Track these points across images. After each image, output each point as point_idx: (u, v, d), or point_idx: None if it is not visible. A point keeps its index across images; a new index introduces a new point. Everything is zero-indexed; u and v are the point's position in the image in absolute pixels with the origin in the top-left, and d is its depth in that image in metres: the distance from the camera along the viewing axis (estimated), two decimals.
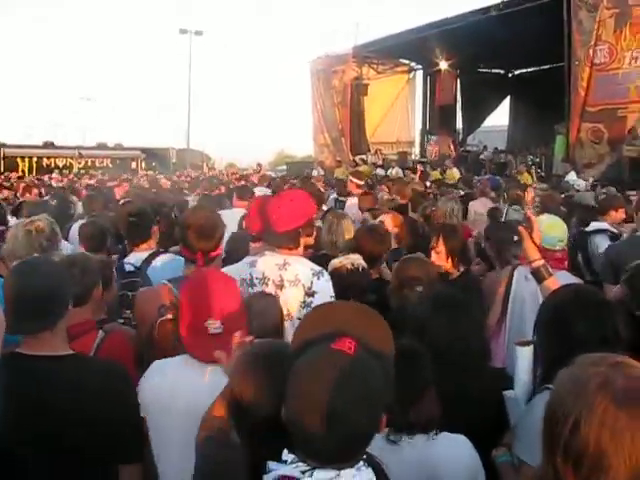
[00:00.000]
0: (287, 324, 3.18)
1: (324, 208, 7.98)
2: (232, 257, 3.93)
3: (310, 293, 3.30)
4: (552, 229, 4.19)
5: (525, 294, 4.10)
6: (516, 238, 5.03)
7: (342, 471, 1.52)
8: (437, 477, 2.25)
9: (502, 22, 17.54)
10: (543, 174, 18.61)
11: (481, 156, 23.47)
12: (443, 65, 24.70)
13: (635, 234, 5.14)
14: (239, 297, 2.58)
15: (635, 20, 14.67)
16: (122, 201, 8.50)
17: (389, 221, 5.58)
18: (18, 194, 13.30)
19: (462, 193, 10.21)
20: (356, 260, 3.93)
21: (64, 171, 35.19)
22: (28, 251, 3.77)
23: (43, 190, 13.83)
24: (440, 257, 4.32)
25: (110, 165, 38.80)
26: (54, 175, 27.10)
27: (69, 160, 39.14)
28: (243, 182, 14.48)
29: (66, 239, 5.56)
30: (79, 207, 8.06)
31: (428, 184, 12.69)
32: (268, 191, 9.49)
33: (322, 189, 10.69)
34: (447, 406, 2.43)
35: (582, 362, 1.53)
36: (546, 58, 22.01)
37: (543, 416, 1.53)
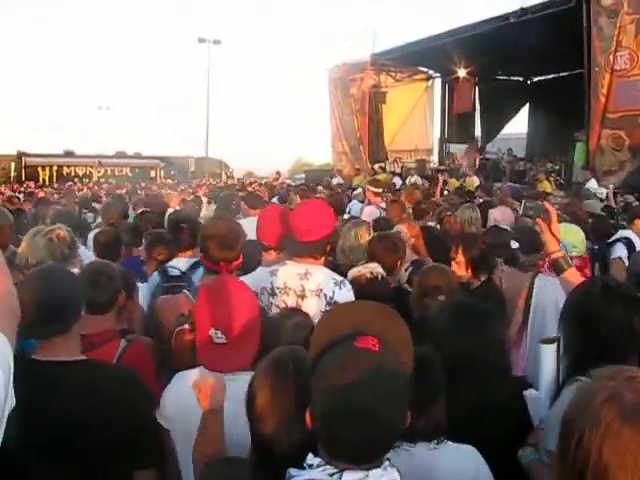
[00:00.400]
0: None
1: (345, 217, 7.98)
2: (245, 265, 3.94)
3: (332, 303, 3.30)
4: (567, 235, 4.16)
5: (546, 302, 4.09)
6: (516, 244, 5.10)
7: (370, 472, 1.52)
8: None
9: (521, 29, 17.44)
10: (562, 182, 18.47)
11: (502, 164, 23.34)
12: (461, 73, 24.59)
13: None
14: (250, 308, 2.54)
15: None
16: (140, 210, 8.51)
17: (405, 230, 5.55)
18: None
19: (480, 201, 10.14)
20: (375, 269, 3.92)
21: (84, 180, 35.52)
22: (49, 259, 3.81)
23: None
24: (460, 267, 4.31)
25: (129, 174, 39.13)
26: (70, 184, 27.20)
27: (89, 169, 39.51)
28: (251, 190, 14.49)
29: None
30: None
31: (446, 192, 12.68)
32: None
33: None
34: (468, 415, 2.40)
35: (598, 375, 1.52)
36: (565, 65, 21.86)
37: (559, 432, 1.51)
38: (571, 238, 4.29)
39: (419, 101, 29.09)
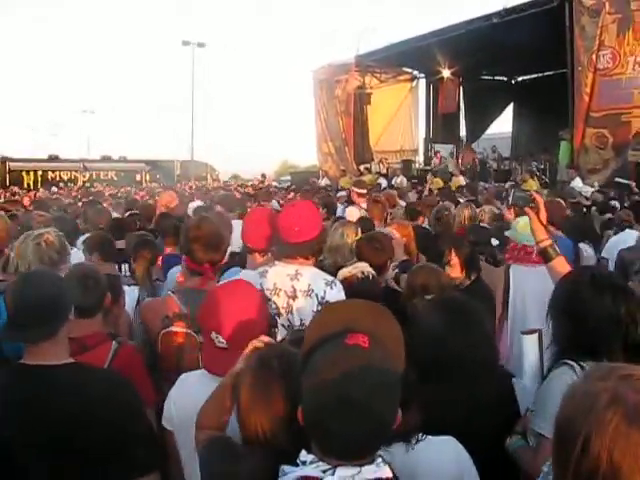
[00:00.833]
0: None
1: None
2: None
3: (323, 303, 3.31)
4: (527, 227, 4.19)
5: (525, 290, 4.20)
6: (496, 242, 5.18)
7: (363, 467, 1.52)
8: None
9: (504, 29, 17.55)
10: (548, 180, 18.59)
11: (488, 163, 23.46)
12: (446, 73, 24.71)
13: None
14: (254, 313, 2.52)
15: (638, 25, 14.67)
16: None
17: (394, 231, 5.56)
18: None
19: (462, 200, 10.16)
20: (365, 268, 3.92)
21: (69, 184, 35.34)
22: (38, 264, 3.78)
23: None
24: (455, 269, 4.33)
25: (115, 178, 38.97)
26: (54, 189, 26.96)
27: (74, 173, 39.31)
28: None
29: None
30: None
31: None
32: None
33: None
34: (458, 414, 2.41)
35: (590, 375, 1.50)
36: (549, 64, 22.02)
37: (553, 435, 1.51)
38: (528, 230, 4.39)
39: (404, 102, 29.19)
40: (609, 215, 8.38)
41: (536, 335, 2.78)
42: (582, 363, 2.40)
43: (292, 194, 15.11)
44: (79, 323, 2.82)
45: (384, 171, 24.68)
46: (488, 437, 2.49)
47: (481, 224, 6.33)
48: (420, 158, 28.58)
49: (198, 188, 21.50)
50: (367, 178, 18.37)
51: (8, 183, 34.96)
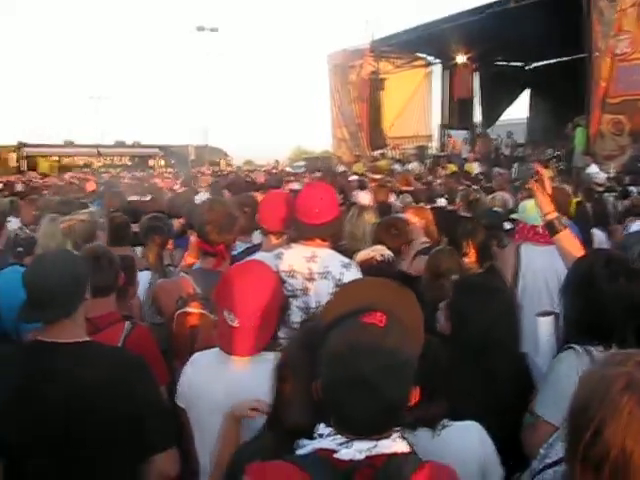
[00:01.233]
0: None
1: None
2: None
3: (339, 285, 3.32)
4: (534, 208, 4.33)
5: (536, 268, 4.28)
6: (508, 226, 5.23)
7: (379, 442, 1.54)
8: None
9: (520, 14, 17.36)
10: (563, 167, 18.47)
11: (502, 149, 23.33)
12: (460, 59, 24.52)
13: None
14: (268, 293, 2.53)
15: None
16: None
17: (411, 215, 5.57)
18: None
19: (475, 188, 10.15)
20: (383, 251, 3.94)
21: (84, 169, 35.50)
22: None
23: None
24: (470, 258, 4.34)
25: (129, 163, 39.16)
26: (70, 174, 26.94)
27: (88, 158, 39.49)
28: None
29: None
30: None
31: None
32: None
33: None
34: (476, 391, 2.43)
35: (607, 361, 1.50)
36: (565, 50, 21.74)
37: (566, 420, 1.52)
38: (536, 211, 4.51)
39: (418, 88, 29.02)
40: (627, 202, 8.29)
41: (551, 317, 2.78)
42: (590, 347, 2.41)
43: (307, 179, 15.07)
44: (93, 303, 2.83)
45: (398, 157, 24.62)
46: (506, 414, 2.52)
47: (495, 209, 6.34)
48: (435, 144, 28.46)
49: (213, 173, 21.48)
50: (381, 163, 18.35)
51: (25, 168, 35.17)
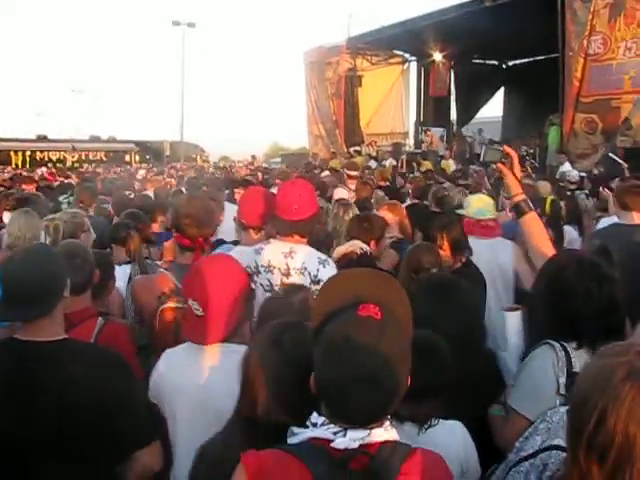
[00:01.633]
0: None
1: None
2: None
3: (316, 281, 3.38)
4: (479, 202, 5.03)
5: (481, 258, 4.43)
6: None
7: (373, 431, 1.57)
8: None
9: (496, 13, 17.48)
10: (537, 165, 18.63)
11: (475, 147, 23.45)
12: (437, 56, 24.65)
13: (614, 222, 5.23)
14: (232, 283, 2.58)
15: (629, 11, 14.64)
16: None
17: (387, 212, 5.63)
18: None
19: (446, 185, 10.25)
20: (361, 245, 3.98)
21: (58, 164, 35.15)
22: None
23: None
24: (445, 252, 4.38)
25: (104, 158, 38.81)
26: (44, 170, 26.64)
27: (62, 154, 39.10)
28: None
29: None
30: None
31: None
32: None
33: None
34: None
35: (607, 351, 1.52)
36: (540, 49, 21.95)
37: (567, 411, 1.57)
38: (482, 204, 4.94)
39: (395, 85, 29.09)
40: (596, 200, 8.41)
41: (518, 312, 2.84)
42: (564, 343, 2.44)
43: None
44: (68, 300, 2.83)
45: (374, 154, 24.67)
46: (475, 410, 2.56)
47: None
48: (410, 141, 28.56)
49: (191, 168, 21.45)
50: (357, 160, 18.36)
51: None
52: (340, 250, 3.95)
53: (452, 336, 2.55)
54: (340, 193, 8.27)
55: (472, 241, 4.51)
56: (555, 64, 16.82)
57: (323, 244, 4.26)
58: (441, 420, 2.38)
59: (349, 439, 1.56)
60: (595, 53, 15.40)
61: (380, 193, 8.62)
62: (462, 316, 2.74)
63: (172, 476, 2.53)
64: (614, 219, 5.37)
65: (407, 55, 28.42)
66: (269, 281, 3.43)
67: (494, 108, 29.77)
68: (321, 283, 3.32)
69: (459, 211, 5.05)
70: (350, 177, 9.41)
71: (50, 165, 33.95)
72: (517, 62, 27.96)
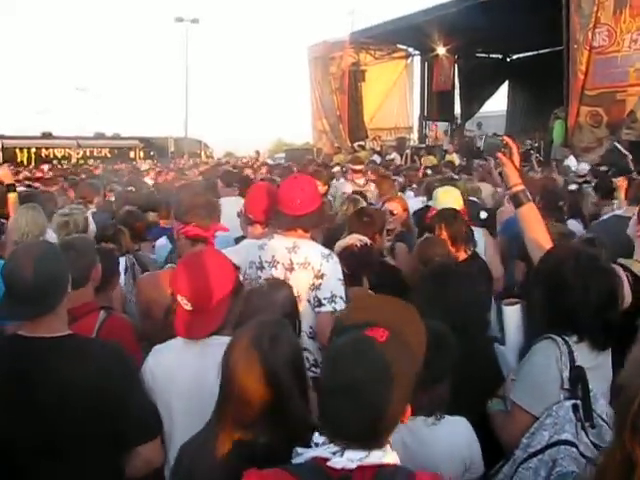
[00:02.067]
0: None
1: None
2: None
3: (319, 275, 3.38)
4: (445, 195, 5.25)
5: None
6: (484, 215, 5.41)
7: (372, 452, 1.57)
8: (435, 462, 2.28)
9: (500, 6, 17.40)
10: (542, 159, 18.59)
11: (478, 144, 23.40)
12: (441, 50, 24.60)
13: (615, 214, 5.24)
14: (220, 278, 2.59)
15: (634, 2, 14.56)
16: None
17: (395, 205, 5.65)
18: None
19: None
20: (360, 237, 3.99)
21: (62, 161, 35.19)
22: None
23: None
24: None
25: (109, 155, 38.84)
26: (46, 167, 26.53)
27: (67, 151, 39.13)
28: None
29: None
30: None
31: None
32: None
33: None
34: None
35: None
36: (544, 42, 21.85)
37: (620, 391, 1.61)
38: (449, 197, 5.13)
39: (398, 79, 29.05)
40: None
41: (517, 306, 2.83)
42: (566, 337, 2.43)
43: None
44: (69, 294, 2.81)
45: (378, 148, 24.64)
46: (474, 402, 2.56)
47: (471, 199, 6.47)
48: (414, 136, 28.53)
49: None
50: (361, 155, 18.35)
51: (1, 160, 34.76)
52: (340, 244, 3.96)
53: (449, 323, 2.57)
54: (345, 187, 8.29)
55: None
56: (560, 57, 16.76)
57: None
58: (446, 416, 2.38)
59: (346, 459, 1.56)
60: (600, 45, 15.32)
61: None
62: (459, 306, 2.75)
63: (168, 471, 2.52)
64: (617, 212, 5.38)
65: (410, 49, 28.37)
66: (273, 276, 3.44)
67: (498, 102, 29.72)
68: (324, 277, 3.36)
69: (429, 203, 5.26)
70: (355, 172, 9.41)
71: (55, 162, 34.02)
72: (521, 55, 27.85)
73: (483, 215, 5.53)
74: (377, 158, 20.32)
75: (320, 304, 3.35)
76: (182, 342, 2.56)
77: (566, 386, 2.35)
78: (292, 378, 1.95)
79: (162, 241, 5.25)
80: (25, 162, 35.40)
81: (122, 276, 4.13)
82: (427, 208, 5.68)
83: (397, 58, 28.91)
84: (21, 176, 16.49)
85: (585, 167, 11.65)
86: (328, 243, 3.99)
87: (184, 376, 2.48)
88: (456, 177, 9.69)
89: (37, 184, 12.60)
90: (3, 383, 2.34)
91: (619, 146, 12.85)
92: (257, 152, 26.77)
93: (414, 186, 9.64)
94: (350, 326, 1.69)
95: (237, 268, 3.03)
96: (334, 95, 28.78)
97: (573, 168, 12.49)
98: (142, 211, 5.95)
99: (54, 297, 2.39)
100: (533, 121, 22.73)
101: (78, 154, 39.05)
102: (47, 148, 38.80)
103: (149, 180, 13.54)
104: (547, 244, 2.96)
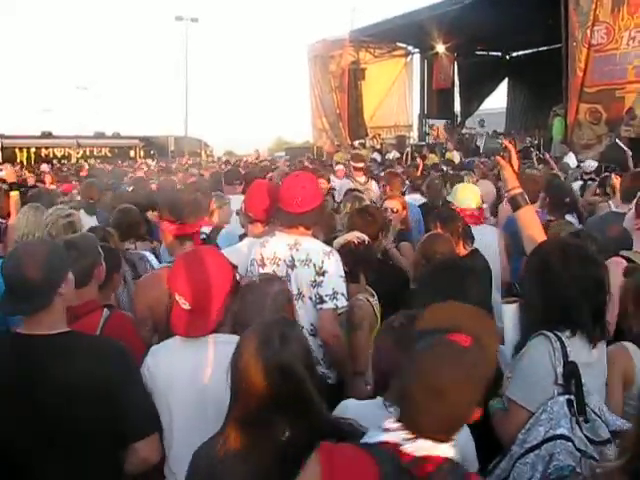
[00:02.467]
0: (299, 303, 3.35)
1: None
2: None
3: (321, 272, 3.40)
4: (464, 191, 5.20)
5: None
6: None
7: (440, 445, 1.67)
8: None
9: (499, 4, 17.44)
10: (542, 156, 18.57)
11: (478, 142, 23.39)
12: (440, 48, 24.60)
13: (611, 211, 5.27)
14: (217, 277, 2.60)
15: (632, 0, 14.60)
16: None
17: (395, 203, 5.67)
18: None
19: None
20: (358, 235, 4.00)
21: (62, 161, 35.12)
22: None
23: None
24: None
25: (109, 154, 38.76)
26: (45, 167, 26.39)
27: (67, 150, 39.04)
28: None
29: None
30: None
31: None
32: None
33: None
34: None
35: None
36: (544, 40, 21.88)
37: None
38: (468, 194, 5.09)
39: (398, 77, 29.06)
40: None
41: (516, 305, 2.86)
42: (558, 333, 2.45)
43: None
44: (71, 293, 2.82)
45: (378, 146, 24.64)
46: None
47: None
48: (414, 134, 28.52)
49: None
50: (362, 152, 18.36)
51: (1, 160, 34.71)
52: (339, 241, 3.98)
53: None
54: (342, 184, 8.31)
55: None
56: (559, 54, 16.77)
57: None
58: None
59: (417, 447, 1.65)
60: (599, 43, 15.34)
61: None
62: (469, 301, 2.77)
63: (168, 470, 2.55)
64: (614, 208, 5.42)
65: (410, 47, 28.37)
66: (275, 273, 3.45)
67: (498, 100, 29.72)
68: (326, 275, 3.39)
69: (448, 198, 5.19)
70: (356, 169, 9.44)
71: (55, 162, 33.95)
72: (520, 53, 27.86)
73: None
74: (377, 156, 20.34)
75: (322, 301, 3.37)
76: (180, 341, 2.57)
77: (560, 381, 2.38)
78: (307, 373, 1.98)
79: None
80: (25, 162, 35.34)
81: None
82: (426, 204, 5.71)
83: (397, 56, 28.91)
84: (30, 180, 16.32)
85: (593, 164, 11.61)
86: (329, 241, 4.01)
87: (183, 375, 2.49)
88: (461, 174, 9.71)
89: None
90: (2, 382, 2.36)
91: (620, 143, 12.84)
92: (257, 151, 26.73)
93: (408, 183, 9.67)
94: (432, 331, 1.77)
95: (234, 267, 3.07)
96: (334, 93, 28.79)
97: (572, 165, 12.47)
98: (142, 210, 5.92)
99: (48, 292, 2.41)
100: (533, 118, 22.78)
101: (78, 153, 38.93)
102: (47, 148, 38.68)
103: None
104: None
